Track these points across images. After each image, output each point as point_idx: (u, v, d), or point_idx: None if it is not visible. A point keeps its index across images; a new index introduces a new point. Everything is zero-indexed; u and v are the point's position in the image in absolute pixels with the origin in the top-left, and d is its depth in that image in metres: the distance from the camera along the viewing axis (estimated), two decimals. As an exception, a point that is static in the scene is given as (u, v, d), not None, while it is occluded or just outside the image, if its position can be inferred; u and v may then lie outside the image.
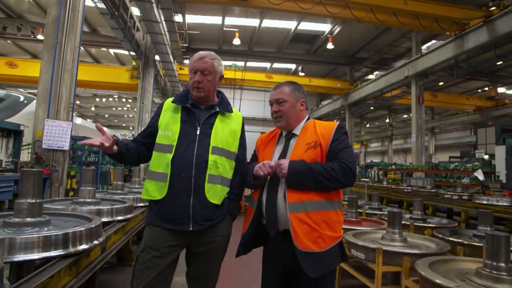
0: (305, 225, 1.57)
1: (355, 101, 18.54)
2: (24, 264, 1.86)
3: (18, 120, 7.92)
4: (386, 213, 4.17)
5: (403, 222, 3.79)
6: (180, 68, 15.84)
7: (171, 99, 1.93)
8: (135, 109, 15.43)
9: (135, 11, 10.71)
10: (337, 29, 14.87)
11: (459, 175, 10.30)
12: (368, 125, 33.07)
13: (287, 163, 1.63)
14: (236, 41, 14.55)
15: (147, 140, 1.89)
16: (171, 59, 13.12)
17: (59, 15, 5.54)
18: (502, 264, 1.86)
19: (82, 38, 6.16)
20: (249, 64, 18.91)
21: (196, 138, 1.78)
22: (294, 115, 1.80)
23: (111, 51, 17.87)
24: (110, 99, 25.23)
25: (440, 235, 3.44)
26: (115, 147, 1.75)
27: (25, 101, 10.66)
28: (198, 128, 1.80)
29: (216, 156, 1.78)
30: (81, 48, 7.40)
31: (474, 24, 10.30)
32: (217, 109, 1.87)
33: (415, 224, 4.17)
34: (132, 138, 2.33)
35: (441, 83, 15.79)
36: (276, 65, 19.99)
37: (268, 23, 14.57)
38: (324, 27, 15.02)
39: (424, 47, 14.36)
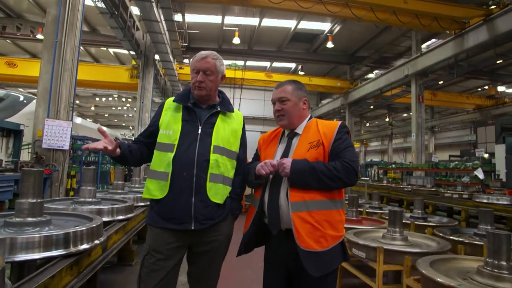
0: (308, 224, 1.57)
1: (355, 100, 18.54)
2: (25, 264, 1.86)
3: (18, 119, 7.91)
4: (387, 212, 4.18)
5: (403, 221, 3.80)
6: (180, 68, 15.82)
7: (172, 98, 1.93)
8: (135, 109, 15.44)
9: (135, 10, 10.69)
10: (337, 28, 14.86)
11: (459, 174, 10.30)
12: (368, 124, 33.08)
13: (289, 162, 1.63)
14: (236, 40, 14.54)
15: (148, 140, 1.89)
16: (171, 58, 13.11)
17: (59, 15, 5.53)
18: (504, 263, 1.85)
19: (82, 37, 6.15)
20: (249, 63, 18.89)
21: (198, 137, 1.77)
22: (296, 114, 1.80)
23: (111, 50, 17.85)
24: (110, 98, 25.21)
25: (441, 234, 3.44)
26: (118, 150, 1.75)
27: (25, 101, 10.67)
28: (200, 127, 1.80)
29: (218, 155, 1.77)
30: (81, 47, 7.39)
31: (474, 23, 10.29)
32: (218, 109, 1.87)
33: (416, 223, 4.18)
34: (132, 138, 2.32)
35: (441, 82, 15.78)
36: (276, 64, 19.98)
37: (268, 22, 14.56)
38: (324, 26, 15.00)
39: (424, 46, 14.35)
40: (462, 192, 7.31)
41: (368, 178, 15.04)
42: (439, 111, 25.29)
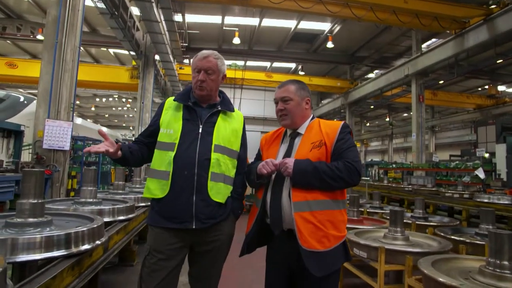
0: (310, 224, 1.57)
1: (355, 100, 18.52)
2: (27, 264, 1.86)
3: (18, 120, 7.91)
4: (387, 211, 4.18)
5: (404, 220, 3.79)
6: (180, 68, 15.81)
7: (172, 97, 1.93)
8: (135, 109, 15.44)
9: (135, 10, 10.70)
10: (337, 28, 14.85)
11: (460, 174, 10.28)
12: (368, 124, 33.04)
13: (292, 162, 1.63)
14: (236, 40, 14.54)
15: (149, 140, 1.89)
16: (171, 58, 13.10)
17: (59, 15, 5.53)
18: (506, 262, 1.85)
19: (82, 38, 6.15)
20: (249, 63, 18.89)
21: (199, 136, 1.77)
22: (299, 114, 1.79)
23: (111, 51, 17.85)
24: (110, 99, 25.21)
25: (442, 234, 3.44)
26: (119, 152, 1.75)
27: (25, 102, 10.67)
28: (200, 126, 1.80)
29: (219, 154, 1.77)
30: (81, 48, 7.39)
31: (474, 22, 10.28)
32: (219, 108, 1.87)
33: (417, 222, 4.17)
34: (133, 139, 2.33)
35: (441, 82, 15.75)
36: (276, 64, 19.97)
37: (268, 22, 14.55)
38: (324, 26, 15.00)
39: (424, 45, 14.34)
40: (463, 192, 7.31)
41: (368, 178, 15.02)
42: (439, 111, 25.28)
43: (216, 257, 1.82)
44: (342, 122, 1.76)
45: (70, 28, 5.60)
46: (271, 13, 13.33)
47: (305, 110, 1.82)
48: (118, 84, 15.51)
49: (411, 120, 13.60)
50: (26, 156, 7.23)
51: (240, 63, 18.41)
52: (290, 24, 14.74)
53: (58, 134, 5.43)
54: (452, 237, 3.32)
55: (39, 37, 13.03)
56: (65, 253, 1.88)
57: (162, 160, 1.76)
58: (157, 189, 1.74)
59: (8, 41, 16.28)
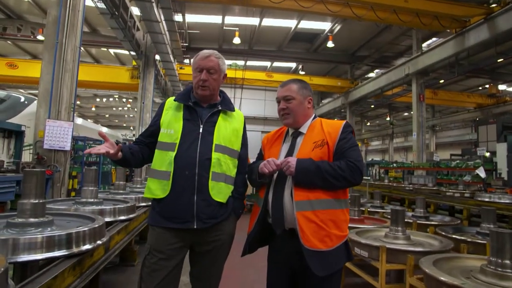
0: (312, 223, 1.57)
1: (355, 100, 18.51)
2: (28, 264, 1.87)
3: (19, 120, 7.92)
4: (388, 211, 4.18)
5: (405, 220, 3.79)
6: (181, 68, 15.81)
7: (172, 97, 1.93)
8: (135, 109, 15.43)
9: (135, 10, 10.70)
10: (337, 28, 14.84)
11: (461, 173, 10.27)
12: (368, 123, 33.03)
13: (294, 161, 1.62)
14: (236, 40, 14.53)
15: (149, 140, 1.88)
16: (172, 58, 13.10)
17: (59, 15, 5.53)
18: (507, 261, 1.85)
19: (83, 38, 6.15)
20: (249, 63, 18.88)
21: (199, 136, 1.77)
22: (301, 113, 1.79)
23: (111, 51, 17.86)
24: (111, 99, 25.22)
25: (443, 233, 3.44)
26: (119, 153, 1.75)
27: (26, 102, 10.69)
28: (201, 126, 1.80)
29: (220, 154, 1.77)
30: (82, 48, 7.39)
31: (474, 21, 10.26)
32: (220, 108, 1.87)
33: (418, 222, 4.17)
34: (133, 139, 2.32)
35: (441, 81, 15.74)
36: (277, 64, 19.96)
37: (268, 22, 14.54)
38: (324, 26, 14.99)
39: (424, 44, 14.32)
40: (464, 191, 7.30)
41: (369, 177, 15.00)
42: (440, 110, 25.26)
43: (217, 257, 1.81)
44: (344, 122, 1.76)
45: (71, 28, 5.60)
46: (271, 13, 13.33)
47: (307, 109, 1.82)
48: (119, 84, 15.52)
49: (412, 119, 13.58)
50: (27, 156, 7.24)
51: (241, 63, 18.40)
52: (290, 23, 14.73)
53: (58, 134, 5.44)
54: (453, 236, 3.32)
55: (40, 37, 13.03)
56: (66, 253, 1.88)
57: (163, 160, 1.75)
58: (158, 189, 1.73)
59: (8, 42, 16.28)
